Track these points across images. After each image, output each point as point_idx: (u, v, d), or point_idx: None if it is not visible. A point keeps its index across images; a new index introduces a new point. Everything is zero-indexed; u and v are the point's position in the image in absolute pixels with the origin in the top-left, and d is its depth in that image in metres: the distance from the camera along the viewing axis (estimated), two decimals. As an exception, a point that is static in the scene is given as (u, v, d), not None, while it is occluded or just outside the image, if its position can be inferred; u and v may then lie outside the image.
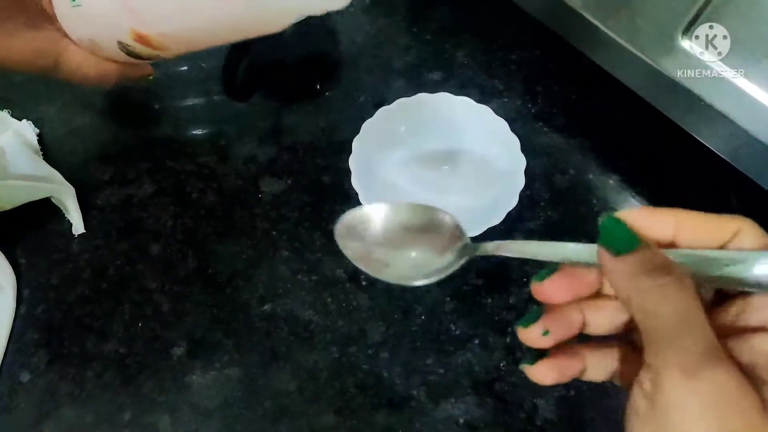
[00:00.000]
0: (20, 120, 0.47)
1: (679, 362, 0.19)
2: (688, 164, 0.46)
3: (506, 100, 0.49)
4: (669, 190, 0.45)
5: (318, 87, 0.50)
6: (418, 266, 0.28)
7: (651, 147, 0.47)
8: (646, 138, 0.47)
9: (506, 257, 0.25)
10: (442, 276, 0.27)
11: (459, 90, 0.49)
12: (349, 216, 0.28)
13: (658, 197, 0.45)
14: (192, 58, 0.50)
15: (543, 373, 0.23)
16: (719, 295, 0.21)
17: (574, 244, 0.22)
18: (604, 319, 0.23)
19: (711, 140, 0.41)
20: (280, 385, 0.38)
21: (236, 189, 0.45)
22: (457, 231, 0.27)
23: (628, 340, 0.23)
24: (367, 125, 0.42)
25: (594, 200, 0.44)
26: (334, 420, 0.37)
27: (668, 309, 0.18)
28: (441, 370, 0.38)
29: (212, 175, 0.46)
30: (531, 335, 0.22)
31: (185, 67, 0.51)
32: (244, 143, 0.47)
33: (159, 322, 0.40)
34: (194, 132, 0.48)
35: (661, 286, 0.19)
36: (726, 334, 0.20)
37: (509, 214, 0.39)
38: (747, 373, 0.19)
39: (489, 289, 0.41)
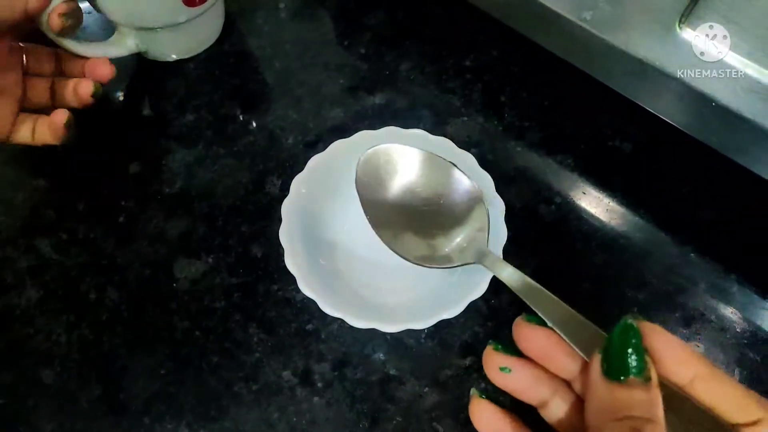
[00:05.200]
0: None
1: None
2: (699, 173, 0.37)
3: (466, 119, 0.40)
4: (682, 206, 0.37)
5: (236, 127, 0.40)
6: (423, 241, 0.28)
7: (651, 157, 0.38)
8: (645, 148, 0.39)
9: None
10: (440, 267, 0.27)
11: (408, 113, 0.40)
12: (383, 149, 0.29)
13: (668, 218, 0.36)
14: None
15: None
16: None
17: (583, 319, 0.20)
18: (564, 410, 0.20)
19: (726, 146, 0.33)
20: None
21: (143, 280, 0.35)
22: (482, 229, 0.28)
23: None
24: (298, 182, 0.33)
25: (590, 231, 0.36)
26: None
27: None
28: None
29: (111, 265, 0.36)
30: (495, 361, 0.21)
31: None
32: (148, 217, 0.37)
33: (59, 479, 0.31)
34: (80, 207, 0.38)
35: None
36: None
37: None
38: None
39: (480, 370, 0.32)
